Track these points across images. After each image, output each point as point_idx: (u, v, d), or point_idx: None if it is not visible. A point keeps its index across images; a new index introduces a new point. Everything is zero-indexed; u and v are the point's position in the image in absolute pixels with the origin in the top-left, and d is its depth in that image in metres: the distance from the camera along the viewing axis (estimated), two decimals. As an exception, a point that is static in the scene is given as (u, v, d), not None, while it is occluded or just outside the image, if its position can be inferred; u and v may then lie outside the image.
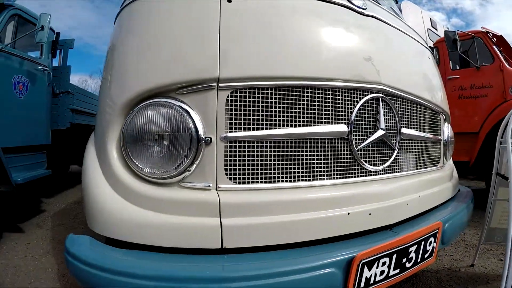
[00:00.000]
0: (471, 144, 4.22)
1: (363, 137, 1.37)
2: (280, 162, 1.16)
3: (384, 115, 1.43)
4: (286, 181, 1.17)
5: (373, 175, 1.43)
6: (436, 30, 5.36)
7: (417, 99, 1.64)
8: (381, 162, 1.46)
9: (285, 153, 1.17)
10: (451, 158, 2.28)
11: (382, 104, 1.43)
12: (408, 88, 1.57)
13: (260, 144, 1.13)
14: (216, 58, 1.08)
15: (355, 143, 1.33)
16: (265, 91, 1.14)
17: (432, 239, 1.40)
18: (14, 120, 3.53)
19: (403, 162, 1.60)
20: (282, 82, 1.15)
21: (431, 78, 1.91)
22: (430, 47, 5.03)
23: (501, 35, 4.50)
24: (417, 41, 1.90)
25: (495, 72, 4.13)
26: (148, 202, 1.07)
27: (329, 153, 1.27)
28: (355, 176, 1.36)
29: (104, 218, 1.09)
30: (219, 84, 1.08)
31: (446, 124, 2.04)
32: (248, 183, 1.12)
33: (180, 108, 1.08)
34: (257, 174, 1.13)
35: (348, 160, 1.33)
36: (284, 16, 1.23)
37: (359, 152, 1.35)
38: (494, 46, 4.26)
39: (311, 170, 1.23)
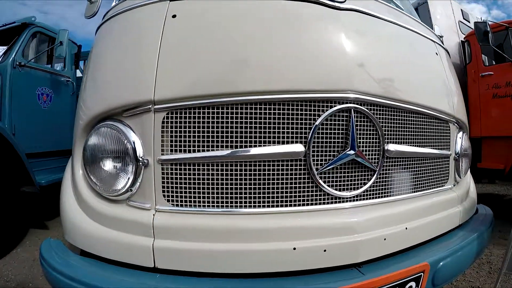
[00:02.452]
0: (507, 150, 3.60)
1: (328, 158, 1.09)
2: (220, 186, 1.04)
3: (361, 130, 1.14)
4: (226, 206, 1.04)
5: (344, 201, 1.13)
6: (469, 22, 4.67)
7: (413, 107, 1.28)
8: (356, 186, 1.15)
9: (225, 176, 1.03)
10: (468, 174, 1.86)
11: (358, 116, 1.13)
12: (399, 94, 1.22)
13: (198, 167, 1.03)
14: (152, 79, 1.04)
15: (316, 165, 1.07)
16: (203, 110, 1.03)
17: (412, 284, 1.07)
18: (38, 128, 3.72)
19: (391, 185, 1.25)
20: (221, 99, 1.02)
21: (438, 80, 1.51)
22: (461, 41, 4.48)
23: (541, 24, 3.79)
24: (421, 34, 1.50)
25: (535, 67, 3.47)
26: (100, 217, 1.11)
27: (280, 177, 1.05)
28: (314, 204, 1.08)
29: (68, 227, 1.17)
30: (155, 106, 1.03)
31: (460, 134, 1.64)
32: (186, 206, 1.04)
33: (122, 131, 1.08)
34: (195, 197, 1.04)
35: (306, 185, 1.07)
36: (232, 25, 1.08)
37: (323, 176, 1.08)
38: (533, 38, 3.59)
39: (256, 195, 1.04)
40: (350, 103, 1.11)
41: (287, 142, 1.05)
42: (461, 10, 4.81)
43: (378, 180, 1.22)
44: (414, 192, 1.35)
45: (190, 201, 1.05)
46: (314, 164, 1.07)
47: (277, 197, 1.06)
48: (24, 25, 3.84)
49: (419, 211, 1.29)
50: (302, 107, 1.06)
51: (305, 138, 1.05)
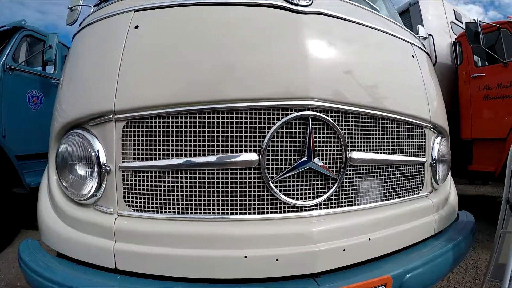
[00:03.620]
0: (498, 152, 3.48)
1: (284, 167, 1.05)
2: (176, 193, 1.05)
3: (322, 138, 1.08)
4: (182, 213, 1.05)
5: (301, 211, 1.08)
6: (461, 23, 4.55)
7: (381, 113, 1.20)
8: (316, 195, 1.09)
9: (181, 184, 1.04)
10: (449, 180, 1.77)
11: (318, 124, 1.07)
12: (364, 100, 1.15)
13: (155, 174, 1.05)
14: (113, 89, 1.06)
15: (271, 173, 1.05)
16: (161, 120, 1.04)
17: (373, 297, 0.99)
18: (28, 130, 3.68)
19: (356, 194, 1.18)
20: (176, 109, 1.02)
21: (413, 83, 1.42)
22: (452, 42, 4.37)
23: (532, 25, 3.67)
24: (396, 36, 1.41)
25: (526, 68, 3.35)
26: (71, 220, 1.14)
27: (234, 185, 1.04)
28: (269, 213, 1.06)
29: (44, 229, 1.21)
30: (115, 116, 1.06)
31: (438, 139, 1.56)
32: (145, 211, 1.06)
33: (88, 139, 1.11)
34: (154, 204, 1.06)
35: (260, 194, 1.05)
36: (192, 35, 1.08)
37: (279, 185, 1.06)
38: (524, 38, 3.47)
39: (210, 203, 1.05)
40: (309, 110, 1.05)
41: (242, 151, 1.03)
42: (454, 10, 4.69)
43: (341, 189, 1.15)
44: (383, 201, 1.26)
45: (149, 207, 1.06)
46: (269, 172, 1.05)
47: (231, 205, 1.04)
48: (15, 28, 3.80)
49: (387, 221, 1.21)
50: (256, 115, 1.03)
51: (259, 146, 1.03)
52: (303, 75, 1.04)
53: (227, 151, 1.02)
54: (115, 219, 1.06)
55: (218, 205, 1.04)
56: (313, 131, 1.07)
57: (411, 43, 1.52)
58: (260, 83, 1.03)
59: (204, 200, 1.04)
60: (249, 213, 1.05)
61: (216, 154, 1.02)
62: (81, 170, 1.12)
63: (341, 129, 1.11)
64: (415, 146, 1.38)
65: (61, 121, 1.21)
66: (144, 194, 1.06)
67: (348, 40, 1.21)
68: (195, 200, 1.04)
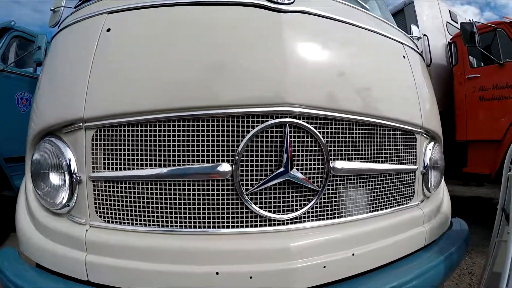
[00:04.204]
0: (493, 154, 3.40)
1: (259, 178, 0.97)
2: (146, 205, 0.99)
3: (302, 147, 0.99)
4: (153, 225, 0.99)
5: (279, 224, 1.00)
6: (457, 23, 4.45)
7: (367, 119, 1.10)
8: (295, 208, 1.01)
9: (151, 196, 0.98)
10: (442, 186, 1.68)
11: (297, 132, 0.98)
12: (350, 106, 1.05)
13: (125, 185, 1.00)
14: (83, 96, 1.01)
15: (246, 185, 0.97)
16: (130, 128, 0.98)
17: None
18: (17, 132, 3.55)
19: (339, 206, 1.08)
20: (147, 116, 0.96)
21: (404, 86, 1.32)
22: (448, 42, 4.28)
23: (529, 25, 3.58)
24: (386, 36, 1.31)
25: (523, 69, 3.26)
26: (46, 229, 1.10)
27: (207, 197, 0.97)
28: (244, 227, 0.98)
29: (21, 238, 1.17)
30: (85, 124, 1.01)
31: (431, 145, 1.45)
32: (117, 223, 1.01)
33: (59, 147, 1.06)
34: (125, 215, 1.01)
35: (235, 206, 0.98)
36: (162, 38, 1.01)
37: (254, 197, 0.98)
38: (520, 39, 3.38)
39: (181, 215, 0.98)
40: (287, 117, 0.96)
41: (214, 161, 0.95)
42: (449, 11, 4.59)
43: (322, 200, 1.05)
44: (370, 212, 1.17)
45: (121, 219, 1.01)
46: (243, 184, 0.97)
47: (203, 218, 0.97)
48: (4, 29, 3.72)
49: (374, 234, 1.12)
50: (229, 123, 0.95)
51: (233, 156, 0.95)
52: (281, 79, 0.95)
53: (198, 161, 0.95)
54: (87, 230, 1.02)
55: (190, 218, 0.97)
56: (292, 139, 0.98)
57: (402, 43, 1.42)
58: (234, 89, 0.95)
59: (176, 213, 0.98)
60: (222, 227, 0.98)
61: (187, 164, 0.95)
62: (53, 179, 1.08)
63: (323, 137, 1.02)
64: (405, 154, 1.29)
65: (35, 128, 1.17)
66: (115, 205, 1.01)
67: (332, 40, 1.11)
68: (166, 213, 0.98)
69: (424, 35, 2.64)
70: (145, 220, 0.99)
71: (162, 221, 0.98)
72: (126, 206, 1.00)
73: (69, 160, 1.04)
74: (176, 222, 0.98)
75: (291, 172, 0.97)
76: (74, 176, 1.03)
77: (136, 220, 1.00)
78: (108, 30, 1.05)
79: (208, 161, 0.95)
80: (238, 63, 0.97)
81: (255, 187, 0.97)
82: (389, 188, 1.23)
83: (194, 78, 0.96)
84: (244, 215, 0.98)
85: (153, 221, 0.99)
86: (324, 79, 1.03)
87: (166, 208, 0.98)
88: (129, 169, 0.98)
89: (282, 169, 0.96)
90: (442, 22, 4.38)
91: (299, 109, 0.97)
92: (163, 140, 0.96)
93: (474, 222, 3.89)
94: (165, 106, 0.95)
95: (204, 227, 0.97)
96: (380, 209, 1.20)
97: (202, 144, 0.95)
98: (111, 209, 1.02)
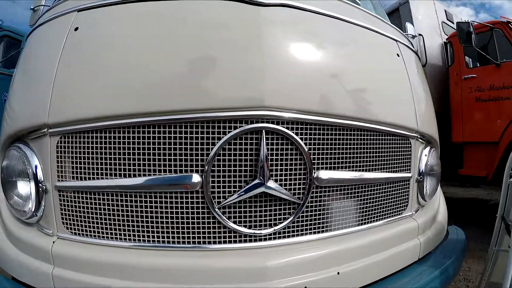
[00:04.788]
0: (489, 156, 3.29)
1: (233, 190, 0.87)
2: (111, 217, 0.91)
3: (281, 155, 0.88)
4: (120, 239, 0.91)
5: (256, 240, 0.90)
6: (453, 23, 4.34)
7: (356, 123, 0.98)
8: (273, 222, 0.91)
9: (115, 207, 0.90)
10: (438, 193, 1.56)
11: (276, 139, 0.87)
12: (335, 109, 0.93)
13: (89, 195, 0.92)
14: (47, 100, 0.94)
15: (218, 197, 0.87)
16: (94, 134, 0.90)
17: None
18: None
19: (324, 220, 0.97)
20: (110, 122, 0.88)
21: (397, 86, 1.20)
22: (443, 42, 4.17)
23: (525, 25, 3.47)
24: (378, 32, 1.19)
25: (520, 69, 3.15)
26: (17, 240, 1.04)
27: (175, 210, 0.87)
28: (215, 243, 0.89)
29: None
30: (50, 130, 0.94)
31: (427, 150, 1.33)
32: (84, 235, 0.94)
33: (26, 154, 1.00)
34: (92, 228, 0.93)
35: (205, 221, 0.88)
36: (128, 37, 0.94)
37: (227, 210, 0.88)
38: (518, 39, 3.27)
39: (147, 230, 0.89)
40: (264, 122, 0.85)
41: (182, 171, 0.86)
42: (445, 11, 4.49)
43: (305, 214, 0.94)
44: (359, 225, 1.05)
45: (88, 231, 0.94)
46: (214, 196, 0.87)
47: (172, 232, 0.88)
48: (-8, 29, 3.60)
49: (362, 250, 1.00)
50: (198, 129, 0.85)
51: (202, 166, 0.85)
52: (257, 80, 0.84)
53: (165, 171, 0.86)
54: (54, 242, 0.95)
55: (158, 233, 0.89)
56: (270, 147, 0.86)
57: (396, 41, 1.30)
58: (206, 91, 0.85)
59: (143, 227, 0.89)
60: (193, 243, 0.88)
61: (153, 174, 0.86)
62: (20, 187, 1.02)
63: (306, 144, 0.90)
64: (399, 160, 1.16)
65: (4, 132, 1.11)
66: (82, 217, 0.94)
67: (317, 36, 0.99)
68: (134, 227, 0.90)
69: (420, 34, 2.52)
70: (112, 234, 0.91)
71: (130, 236, 0.90)
72: (93, 218, 0.93)
73: (36, 168, 0.97)
74: (144, 236, 0.89)
75: (268, 184, 0.86)
76: (40, 185, 0.97)
77: (103, 233, 0.92)
78: (76, 29, 0.98)
79: (176, 171, 0.86)
80: (211, 63, 0.87)
81: (227, 200, 0.86)
82: (380, 199, 1.11)
83: (161, 80, 0.88)
84: (216, 230, 0.89)
85: (120, 235, 0.91)
86: (307, 80, 0.91)
87: (133, 221, 0.89)
88: (93, 179, 0.91)
89: (257, 180, 0.85)
90: (438, 22, 4.27)
91: (278, 113, 0.86)
92: (127, 148, 0.87)
93: (470, 225, 3.80)
94: (130, 111, 0.87)
95: (174, 242, 0.88)
96: (370, 221, 1.08)
97: (169, 153, 0.85)
98: (78, 220, 0.95)
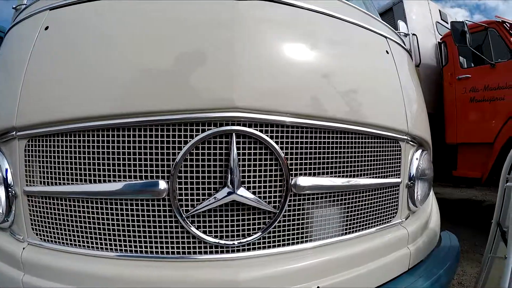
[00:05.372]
0: (484, 157, 3.21)
1: (201, 198, 0.80)
2: (82, 225, 0.86)
3: (253, 160, 0.80)
4: (89, 248, 0.86)
5: (227, 252, 0.83)
6: (447, 23, 4.27)
7: (339, 125, 0.89)
8: (247, 232, 0.83)
9: (86, 214, 0.86)
10: (431, 198, 1.47)
11: (248, 143, 0.79)
12: (317, 109, 0.85)
13: (57, 201, 0.88)
14: (15, 102, 0.90)
15: (186, 205, 0.80)
16: (61, 138, 0.86)
17: None
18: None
19: (303, 229, 0.89)
20: (74, 125, 0.83)
21: (385, 86, 1.11)
22: (438, 42, 4.10)
23: (520, 25, 3.40)
24: (364, 27, 1.09)
25: (514, 69, 3.07)
26: None
27: (141, 218, 0.81)
28: (184, 253, 0.82)
29: None
30: (18, 133, 0.91)
31: (418, 153, 1.23)
32: (53, 242, 0.90)
33: None
34: (61, 234, 0.89)
35: (174, 230, 0.81)
36: (95, 36, 0.89)
37: (196, 220, 0.81)
38: (511, 39, 3.18)
39: (112, 238, 0.84)
40: (235, 124, 0.77)
41: (148, 177, 0.80)
42: (439, 10, 4.41)
43: (282, 224, 0.86)
44: (341, 235, 0.96)
45: (57, 238, 0.90)
46: (182, 204, 0.80)
47: (141, 242, 0.82)
48: (-25, 25, 3.46)
49: (345, 261, 0.92)
50: (164, 132, 0.79)
51: (169, 172, 0.78)
52: (228, 79, 0.77)
53: (130, 177, 0.80)
54: (24, 248, 0.91)
55: (124, 241, 0.83)
56: (242, 151, 0.78)
57: (385, 37, 1.21)
58: (174, 92, 0.79)
59: (109, 235, 0.84)
60: (161, 253, 0.82)
61: (118, 180, 0.81)
62: None
63: (282, 148, 0.81)
64: (387, 165, 1.07)
65: None
66: (51, 223, 0.90)
67: (296, 32, 0.91)
68: (99, 234, 0.85)
69: (414, 34, 2.44)
70: (80, 242, 0.87)
71: (97, 244, 0.85)
72: (61, 225, 0.89)
73: (6, 171, 0.94)
74: (111, 245, 0.84)
75: (238, 192, 0.78)
76: (10, 189, 0.93)
77: (71, 241, 0.88)
78: (46, 28, 0.94)
79: (142, 177, 0.80)
80: (179, 62, 0.81)
81: (195, 208, 0.79)
82: (366, 206, 1.01)
83: (125, 82, 0.83)
84: (185, 240, 0.82)
85: (88, 242, 0.86)
86: (284, 79, 0.83)
87: (100, 229, 0.85)
88: (59, 184, 0.87)
89: (226, 188, 0.77)
90: (432, 22, 4.20)
91: (250, 115, 0.78)
92: (91, 152, 0.83)
93: (464, 226, 3.73)
94: (93, 114, 0.82)
95: (142, 252, 0.83)
96: (355, 231, 0.99)
97: (134, 157, 0.79)
98: (48, 227, 0.91)
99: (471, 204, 5.11)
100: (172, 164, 0.77)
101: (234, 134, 0.76)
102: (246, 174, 0.80)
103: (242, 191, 0.78)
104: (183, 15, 0.85)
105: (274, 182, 0.82)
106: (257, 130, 0.79)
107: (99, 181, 0.83)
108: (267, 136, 0.79)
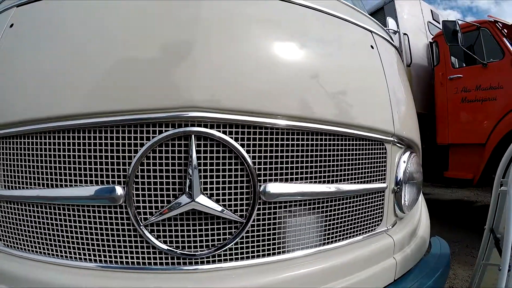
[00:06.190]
0: (476, 158, 3.14)
1: (160, 205, 0.72)
2: (38, 231, 0.80)
3: (216, 165, 0.71)
4: (50, 255, 0.79)
5: (190, 264, 0.75)
6: (439, 23, 4.21)
7: (314, 126, 0.80)
8: (212, 243, 0.74)
9: (33, 219, 0.80)
10: (420, 202, 1.38)
11: (210, 146, 0.70)
12: (290, 108, 0.76)
13: (13, 206, 0.81)
14: None
15: (144, 213, 0.72)
16: (14, 140, 0.80)
17: None
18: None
19: (274, 240, 0.79)
20: (27, 127, 0.77)
21: (370, 83, 1.01)
22: (429, 42, 4.03)
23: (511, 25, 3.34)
24: (345, 19, 1.00)
25: (506, 69, 2.99)
26: None
27: (99, 226, 0.74)
28: (143, 264, 0.74)
29: None
30: None
31: (406, 155, 1.14)
32: (15, 248, 0.83)
33: None
34: (20, 240, 0.82)
35: (132, 240, 0.74)
36: (57, 39, 0.82)
37: (156, 229, 0.73)
38: (504, 39, 3.11)
39: (77, 247, 0.77)
40: (195, 125, 0.69)
41: (105, 182, 0.73)
42: (431, 10, 4.35)
43: (250, 234, 0.77)
44: (318, 246, 0.86)
45: (18, 244, 0.84)
46: (139, 212, 0.72)
47: (98, 251, 0.75)
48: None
49: (321, 275, 0.82)
50: (119, 134, 0.71)
51: (125, 177, 0.71)
52: (187, 76, 0.69)
53: (86, 181, 0.74)
54: None
55: (82, 249, 0.77)
56: (203, 155, 0.70)
57: (370, 31, 1.11)
58: (130, 90, 0.71)
59: (68, 242, 0.77)
60: (120, 263, 0.75)
61: (74, 185, 0.75)
62: None
63: (249, 151, 0.71)
64: (371, 169, 0.97)
65: None
66: (11, 228, 0.84)
67: (264, 21, 0.82)
68: (59, 241, 0.78)
69: (405, 34, 2.35)
70: (38, 249, 0.81)
71: (56, 251, 0.79)
72: (19, 230, 0.83)
73: None
74: (70, 253, 0.78)
75: (198, 200, 0.69)
76: None
77: (30, 247, 0.82)
78: (11, 25, 0.88)
79: (97, 182, 0.73)
80: (136, 58, 0.74)
81: (154, 216, 0.71)
82: (347, 214, 0.92)
83: (80, 81, 0.75)
84: (145, 250, 0.74)
85: (47, 250, 0.80)
86: (248, 76, 0.74)
87: (49, 235, 0.78)
88: (16, 188, 0.81)
89: (184, 196, 0.69)
90: (424, 22, 4.14)
91: (212, 115, 0.69)
92: (45, 155, 0.77)
93: (455, 228, 3.67)
94: (48, 115, 0.75)
95: (100, 261, 0.76)
96: (335, 241, 0.90)
97: (90, 161, 0.73)
98: (8, 232, 0.85)
99: (463, 204, 5.05)
100: (129, 169, 0.69)
101: (193, 136, 0.68)
102: (209, 180, 0.71)
103: (202, 199, 0.69)
104: (146, 14, 0.78)
105: (241, 189, 0.73)
106: (220, 131, 0.69)
107: (55, 186, 0.76)
108: (232, 138, 0.70)
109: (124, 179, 0.71)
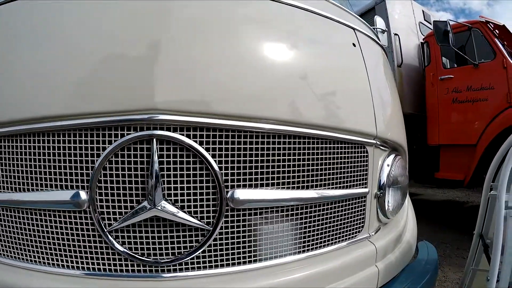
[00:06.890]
0: (467, 159, 3.13)
1: (123, 211, 0.69)
2: (6, 235, 0.77)
3: (180, 170, 0.67)
4: (19, 259, 0.76)
5: (156, 271, 0.71)
6: (430, 24, 4.20)
7: (286, 128, 0.75)
8: (178, 251, 0.70)
9: (10, 223, 0.76)
10: (406, 206, 1.34)
11: (174, 150, 0.66)
12: (261, 110, 0.72)
13: None
14: None
15: (109, 219, 0.69)
16: None
17: None
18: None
19: (246, 248, 0.75)
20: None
21: (351, 82, 0.97)
22: (420, 42, 4.02)
23: (503, 25, 3.32)
24: (326, 16, 0.95)
25: (497, 70, 2.98)
26: None
27: (66, 231, 0.72)
28: (108, 270, 0.71)
29: None
30: None
31: (390, 159, 1.09)
32: None
33: None
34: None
35: (98, 245, 0.71)
36: (17, 39, 0.79)
37: (121, 235, 0.70)
38: (495, 39, 3.10)
39: (40, 251, 0.74)
40: (156, 128, 0.66)
41: (68, 187, 0.70)
42: (423, 11, 4.34)
43: (218, 242, 0.73)
44: (296, 254, 0.81)
45: None
46: (104, 218, 0.70)
47: (60, 255, 0.73)
48: None
49: (298, 285, 0.78)
50: (82, 137, 0.69)
51: (88, 182, 0.69)
52: (149, 77, 0.65)
53: (51, 186, 0.71)
54: None
55: (46, 254, 0.74)
56: (166, 159, 0.66)
57: (353, 28, 1.06)
58: (90, 92, 0.69)
59: (32, 247, 0.75)
60: (87, 269, 0.72)
61: (40, 190, 0.72)
62: None
63: (214, 155, 0.67)
64: (351, 173, 0.93)
65: None
66: None
67: (233, 16, 0.77)
68: (24, 245, 0.76)
69: (396, 34, 2.31)
70: (10, 253, 0.78)
71: (26, 255, 0.77)
72: None
73: None
74: (39, 257, 0.75)
75: (160, 206, 0.65)
76: None
77: (4, 252, 0.79)
78: None
79: (62, 187, 0.71)
80: (98, 60, 0.72)
81: (117, 222, 0.69)
82: (325, 221, 0.87)
83: (41, 83, 0.72)
84: (111, 256, 0.71)
85: (16, 254, 0.77)
86: (213, 77, 0.70)
87: (11, 238, 0.77)
88: None
89: (146, 202, 0.66)
90: (415, 22, 4.12)
91: (174, 117, 0.65)
92: (10, 159, 0.74)
93: (446, 229, 3.65)
94: (10, 118, 0.72)
95: (68, 267, 0.73)
96: (312, 249, 0.85)
97: (55, 165, 0.70)
98: None
99: (453, 205, 5.05)
100: (91, 173, 0.67)
101: (155, 139, 0.64)
102: (173, 186, 0.67)
103: (164, 205, 0.65)
104: (111, 14, 0.75)
105: (207, 195, 0.69)
106: (183, 135, 0.64)
107: (24, 190, 0.74)
108: (196, 141, 0.65)
109: (87, 184, 0.68)
